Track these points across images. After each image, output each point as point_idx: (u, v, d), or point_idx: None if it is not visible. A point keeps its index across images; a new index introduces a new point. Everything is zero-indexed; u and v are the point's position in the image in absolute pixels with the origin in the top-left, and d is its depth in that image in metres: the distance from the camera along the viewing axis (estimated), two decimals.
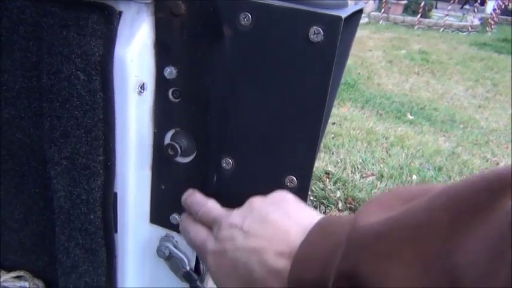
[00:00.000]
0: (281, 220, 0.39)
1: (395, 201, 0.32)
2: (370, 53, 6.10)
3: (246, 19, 0.42)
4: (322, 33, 0.40)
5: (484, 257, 0.22)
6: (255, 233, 0.39)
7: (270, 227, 0.38)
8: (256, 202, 0.42)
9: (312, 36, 0.40)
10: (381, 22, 8.73)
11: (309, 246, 0.34)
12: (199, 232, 0.46)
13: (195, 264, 0.56)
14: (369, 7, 9.08)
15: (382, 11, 8.83)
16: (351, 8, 0.46)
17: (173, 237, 0.56)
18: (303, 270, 0.33)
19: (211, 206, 0.47)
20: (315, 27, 0.40)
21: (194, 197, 0.48)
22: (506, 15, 9.73)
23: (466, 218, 0.25)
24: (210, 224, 0.46)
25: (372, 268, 0.27)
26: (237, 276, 0.39)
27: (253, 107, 0.46)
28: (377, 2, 9.26)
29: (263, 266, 0.37)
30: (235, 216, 0.42)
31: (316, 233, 0.35)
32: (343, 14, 0.40)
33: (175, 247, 0.56)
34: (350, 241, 0.29)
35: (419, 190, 0.31)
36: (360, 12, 0.50)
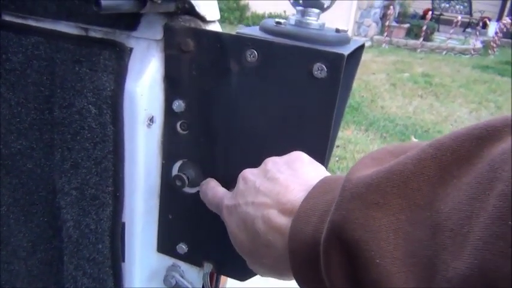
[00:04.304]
0: (289, 179, 0.40)
1: (387, 155, 0.33)
2: (373, 76, 6.14)
3: (252, 56, 0.44)
4: (326, 70, 0.41)
5: (465, 203, 0.23)
6: (264, 190, 0.40)
7: (277, 185, 0.39)
8: (271, 161, 0.43)
9: (316, 73, 0.42)
10: (383, 45, 8.81)
11: (309, 203, 0.35)
12: (217, 191, 0.48)
13: None
14: (372, 31, 9.18)
15: (385, 34, 8.92)
16: (353, 45, 0.47)
17: (180, 267, 0.56)
18: (302, 226, 0.34)
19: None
20: (318, 64, 0.42)
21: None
22: (508, 38, 9.79)
23: (453, 167, 0.25)
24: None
25: (360, 217, 0.27)
26: (245, 229, 0.41)
27: (258, 139, 0.47)
28: (380, 25, 9.37)
29: (266, 222, 0.38)
30: (251, 174, 0.43)
31: (317, 190, 0.36)
32: (346, 51, 0.42)
33: (182, 276, 0.56)
34: (343, 192, 0.30)
35: (411, 145, 0.32)
36: (361, 47, 0.51)
